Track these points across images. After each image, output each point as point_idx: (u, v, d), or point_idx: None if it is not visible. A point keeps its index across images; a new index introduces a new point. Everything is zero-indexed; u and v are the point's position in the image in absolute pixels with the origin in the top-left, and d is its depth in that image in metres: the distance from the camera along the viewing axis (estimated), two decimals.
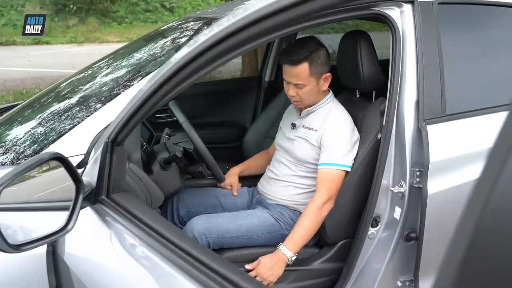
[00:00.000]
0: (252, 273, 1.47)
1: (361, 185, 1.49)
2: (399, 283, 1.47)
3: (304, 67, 1.52)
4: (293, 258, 1.47)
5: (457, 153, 1.41)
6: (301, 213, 1.59)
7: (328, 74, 1.57)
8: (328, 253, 1.58)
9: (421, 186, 1.34)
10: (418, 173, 1.36)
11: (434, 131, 1.34)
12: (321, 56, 1.55)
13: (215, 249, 1.54)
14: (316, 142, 1.57)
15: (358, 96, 1.68)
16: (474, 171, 1.33)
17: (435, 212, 1.33)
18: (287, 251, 1.47)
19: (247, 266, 1.50)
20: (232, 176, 1.85)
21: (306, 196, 1.60)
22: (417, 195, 1.36)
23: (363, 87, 1.60)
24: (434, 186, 1.33)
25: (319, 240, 1.62)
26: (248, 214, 1.63)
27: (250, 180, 1.94)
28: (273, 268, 1.46)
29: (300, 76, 1.53)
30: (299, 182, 1.62)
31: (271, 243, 1.55)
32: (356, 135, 1.55)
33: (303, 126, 1.63)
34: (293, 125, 1.67)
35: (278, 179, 1.66)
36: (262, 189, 1.73)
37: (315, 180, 1.57)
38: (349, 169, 1.52)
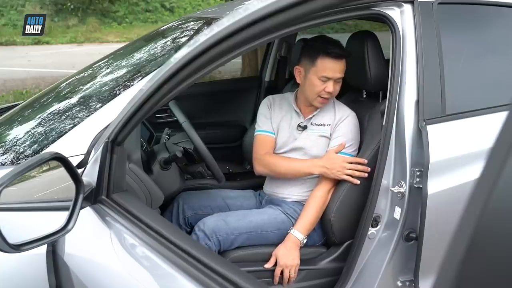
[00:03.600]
0: (277, 270, 1.52)
1: (369, 185, 1.49)
2: (399, 283, 1.47)
3: (344, 61, 1.59)
4: (305, 241, 1.54)
5: (457, 153, 1.41)
6: None
7: None
8: (335, 253, 1.59)
9: (421, 186, 1.34)
10: (418, 173, 1.36)
11: (434, 131, 1.34)
12: None
13: (226, 249, 1.55)
14: (330, 135, 1.64)
15: (364, 96, 1.70)
16: (474, 171, 1.33)
17: (435, 212, 1.33)
18: (298, 233, 1.54)
19: (266, 266, 1.54)
20: None
21: None
22: (417, 195, 1.36)
23: (370, 87, 1.62)
24: (434, 186, 1.33)
25: (327, 240, 1.63)
26: (258, 211, 1.65)
27: (255, 183, 1.93)
28: (290, 253, 1.52)
29: (343, 70, 1.59)
30: (313, 177, 1.64)
31: (281, 241, 1.57)
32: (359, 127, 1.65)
33: (312, 124, 1.67)
34: (303, 127, 1.68)
35: (291, 178, 1.67)
36: (272, 191, 1.73)
37: None
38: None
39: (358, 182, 1.52)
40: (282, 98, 1.77)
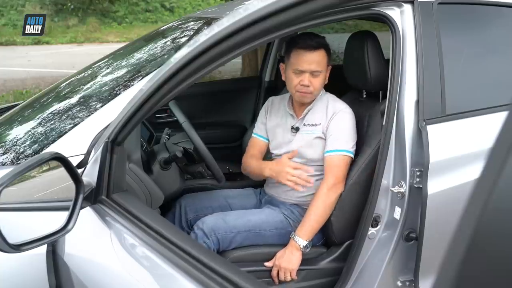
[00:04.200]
0: (274, 271, 1.52)
1: (369, 185, 1.49)
2: (399, 283, 1.46)
3: (322, 53, 1.57)
4: (305, 244, 1.51)
5: (457, 153, 1.41)
6: None
7: (330, 66, 1.62)
8: (335, 253, 1.58)
9: (421, 186, 1.34)
10: (418, 173, 1.36)
11: (434, 131, 1.34)
12: (329, 48, 1.60)
13: (225, 249, 1.55)
14: (323, 134, 1.60)
15: (364, 96, 1.69)
16: (474, 171, 1.33)
17: (435, 212, 1.33)
18: (299, 238, 1.51)
19: (266, 264, 1.54)
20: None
21: None
22: (417, 195, 1.36)
23: (370, 87, 1.61)
24: (434, 186, 1.33)
25: (327, 240, 1.63)
26: (257, 211, 1.65)
27: (255, 182, 1.93)
28: (290, 257, 1.50)
29: (320, 63, 1.56)
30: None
31: (280, 241, 1.58)
32: (355, 123, 1.61)
33: (304, 125, 1.64)
34: (295, 129, 1.67)
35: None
36: (271, 192, 1.73)
37: None
38: (352, 155, 1.56)
39: (301, 188, 1.50)
40: (281, 100, 1.76)
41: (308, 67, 1.55)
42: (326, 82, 1.63)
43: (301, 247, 1.51)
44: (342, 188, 1.53)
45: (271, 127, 1.73)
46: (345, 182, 1.54)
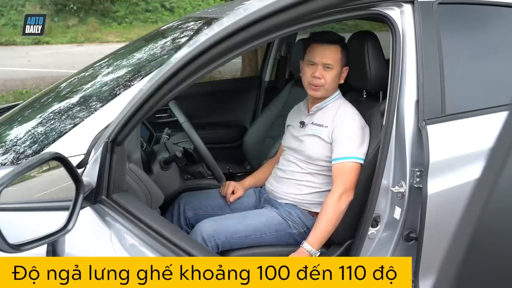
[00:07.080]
0: None
1: (369, 185, 1.48)
2: None
3: (337, 48, 1.59)
4: (317, 255, 1.49)
5: (457, 153, 1.41)
6: (309, 212, 1.61)
7: (347, 67, 1.63)
8: (336, 253, 1.57)
9: (421, 186, 1.34)
10: (418, 173, 1.36)
11: (434, 131, 1.34)
12: (347, 47, 1.63)
13: (224, 250, 1.54)
14: (328, 138, 1.58)
15: (365, 96, 1.69)
16: (474, 171, 1.33)
17: (435, 212, 1.33)
18: (310, 247, 1.48)
19: None
20: (240, 188, 1.78)
21: (318, 195, 1.60)
22: (417, 195, 1.36)
23: (370, 87, 1.62)
24: (434, 186, 1.33)
25: (327, 240, 1.62)
26: (256, 213, 1.63)
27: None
28: None
29: (331, 56, 1.58)
30: (311, 180, 1.61)
31: (279, 242, 1.57)
32: (367, 129, 1.57)
33: (312, 123, 1.64)
34: (302, 123, 1.67)
35: (289, 178, 1.65)
36: (271, 187, 1.72)
37: (328, 178, 1.59)
38: (362, 162, 1.52)
39: None
40: (304, 101, 1.78)
41: (320, 60, 1.58)
42: (342, 82, 1.64)
43: (312, 256, 1.48)
44: (352, 195, 1.51)
45: (287, 125, 1.79)
46: (355, 189, 1.51)
